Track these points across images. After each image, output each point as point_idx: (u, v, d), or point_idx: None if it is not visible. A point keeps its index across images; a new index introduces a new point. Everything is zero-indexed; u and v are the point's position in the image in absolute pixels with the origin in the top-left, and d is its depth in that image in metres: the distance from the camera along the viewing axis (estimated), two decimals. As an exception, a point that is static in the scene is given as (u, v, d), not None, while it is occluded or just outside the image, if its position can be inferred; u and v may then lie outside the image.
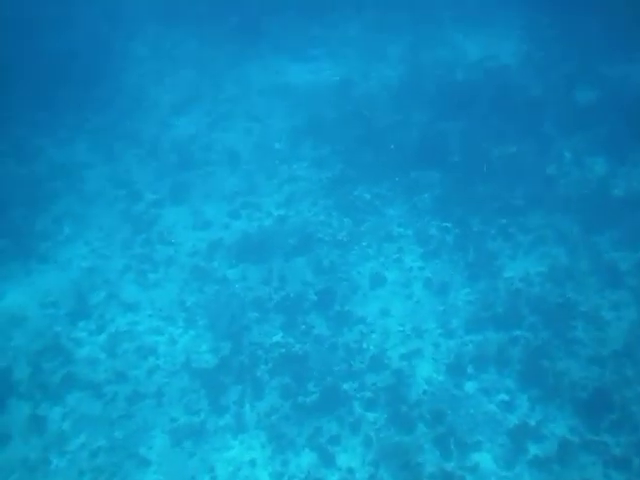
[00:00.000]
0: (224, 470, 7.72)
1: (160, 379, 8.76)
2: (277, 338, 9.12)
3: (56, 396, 8.60)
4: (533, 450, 7.63)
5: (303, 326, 9.24)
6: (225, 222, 10.85)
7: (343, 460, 7.69)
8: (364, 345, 8.84)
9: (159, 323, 9.41)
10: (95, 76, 13.65)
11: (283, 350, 8.96)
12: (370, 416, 8.11)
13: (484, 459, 7.56)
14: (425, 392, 8.24)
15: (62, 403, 8.63)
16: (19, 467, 7.87)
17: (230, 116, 12.98)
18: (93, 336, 9.27)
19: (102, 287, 9.82)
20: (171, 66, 14.15)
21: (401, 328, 9.00)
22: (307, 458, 7.75)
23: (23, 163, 11.80)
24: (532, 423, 7.86)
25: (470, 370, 8.44)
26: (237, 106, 13.31)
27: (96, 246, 10.44)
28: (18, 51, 13.99)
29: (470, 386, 8.29)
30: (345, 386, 8.38)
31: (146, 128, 12.69)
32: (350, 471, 7.58)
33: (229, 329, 9.24)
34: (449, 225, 10.30)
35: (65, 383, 8.73)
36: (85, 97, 13.22)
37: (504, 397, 8.13)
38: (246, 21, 14.80)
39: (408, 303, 9.34)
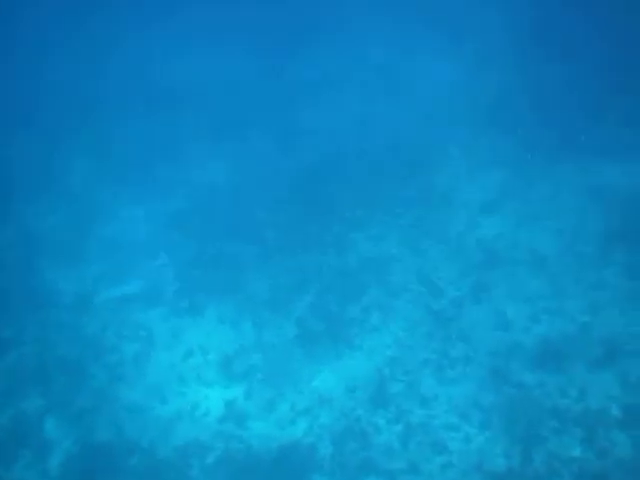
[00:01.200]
0: None
1: (453, 476, 9.29)
2: (576, 452, 9.09)
3: (354, 478, 9.61)
4: None
5: (605, 443, 9.08)
6: (525, 325, 11.19)
7: None
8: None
9: (454, 420, 10.01)
10: (410, 172, 15.16)
11: (580, 465, 8.90)
12: None
13: None
14: None
15: (359, 486, 9.65)
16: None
17: (539, 216, 13.41)
18: (391, 424, 10.23)
19: (402, 377, 10.76)
20: (483, 166, 15.12)
21: None
22: None
23: (340, 255, 13.56)
24: None
25: None
26: (547, 206, 13.69)
27: (400, 336, 11.50)
28: (343, 150, 16.24)
29: None
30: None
31: (453, 225, 13.67)
32: None
33: (525, 435, 9.48)
34: None
35: (363, 466, 9.76)
36: (399, 194, 14.71)
37: None
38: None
39: None
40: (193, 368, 11.73)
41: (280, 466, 10.11)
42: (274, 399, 11.08)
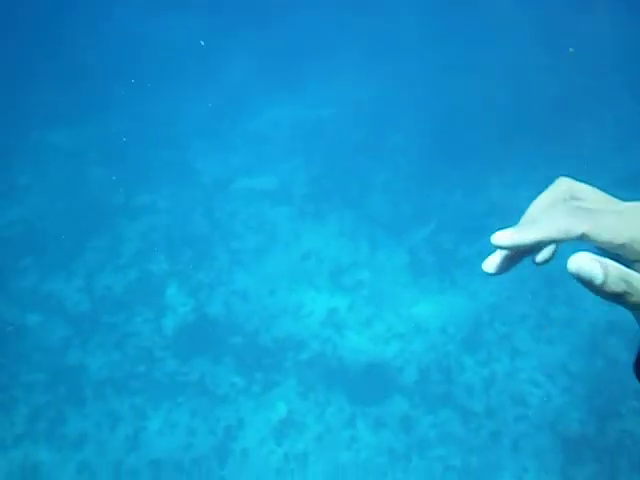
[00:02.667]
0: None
1: (522, 428, 9.87)
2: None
3: (432, 407, 10.37)
4: None
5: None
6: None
7: None
8: None
9: (540, 378, 10.48)
10: (558, 129, 15.01)
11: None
12: None
13: None
14: None
15: (434, 414, 10.37)
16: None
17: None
18: (477, 367, 10.81)
19: (499, 326, 11.26)
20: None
21: None
22: None
23: (467, 196, 13.89)
24: None
25: None
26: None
27: (506, 287, 11.91)
28: (494, 93, 16.22)
29: None
30: None
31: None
32: None
33: (604, 408, 9.85)
34: None
35: (442, 398, 10.48)
36: (541, 149, 14.66)
37: None
38: None
39: None
40: (306, 271, 12.67)
41: (366, 379, 11.00)
42: (373, 317, 11.89)
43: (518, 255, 1.56)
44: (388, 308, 11.88)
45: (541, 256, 1.58)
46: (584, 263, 1.30)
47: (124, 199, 14.36)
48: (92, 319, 11.43)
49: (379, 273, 12.52)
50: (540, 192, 1.64)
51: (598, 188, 1.61)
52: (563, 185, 1.56)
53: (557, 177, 1.65)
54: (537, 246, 1.44)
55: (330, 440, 9.76)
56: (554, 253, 1.62)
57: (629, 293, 1.31)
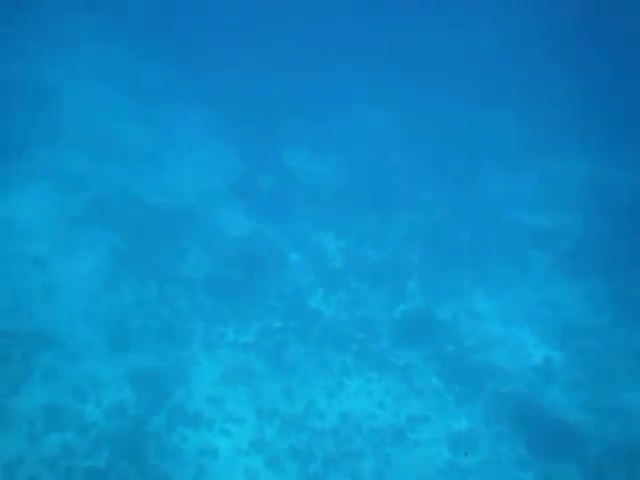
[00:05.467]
0: None
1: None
2: None
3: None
4: None
5: None
6: None
7: None
8: None
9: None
10: None
11: None
12: None
13: None
14: None
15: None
16: None
17: None
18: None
19: None
20: None
21: None
22: None
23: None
24: None
25: None
26: None
27: None
28: None
29: None
30: None
31: None
32: None
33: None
34: None
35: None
36: None
37: None
38: None
39: None
40: (541, 316, 13.40)
41: (551, 436, 11.50)
42: (584, 385, 12.25)
43: None
44: (603, 383, 12.08)
45: None
46: None
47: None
48: (340, 278, 13.26)
49: (610, 347, 12.69)
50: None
51: None
52: None
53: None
54: None
55: (495, 471, 10.49)
56: None
57: None
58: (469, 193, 16.33)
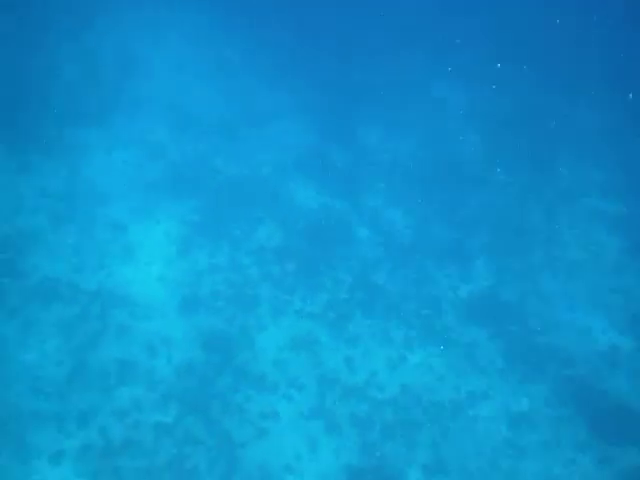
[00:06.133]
0: None
1: None
2: None
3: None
4: None
5: None
6: None
7: None
8: None
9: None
10: None
11: None
12: None
13: None
14: None
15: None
16: None
17: None
18: None
19: None
20: None
21: None
22: None
23: None
24: None
25: None
26: None
27: None
28: None
29: None
30: None
31: None
32: None
33: None
34: None
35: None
36: None
37: None
38: None
39: None
40: (611, 303, 13.23)
41: (616, 421, 11.43)
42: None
43: None
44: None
45: None
46: None
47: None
48: (407, 255, 13.44)
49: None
50: None
51: None
52: None
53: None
54: None
55: (553, 451, 10.53)
56: None
57: None
58: (543, 176, 16.11)
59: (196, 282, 12.59)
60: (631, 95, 17.08)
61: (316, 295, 12.86)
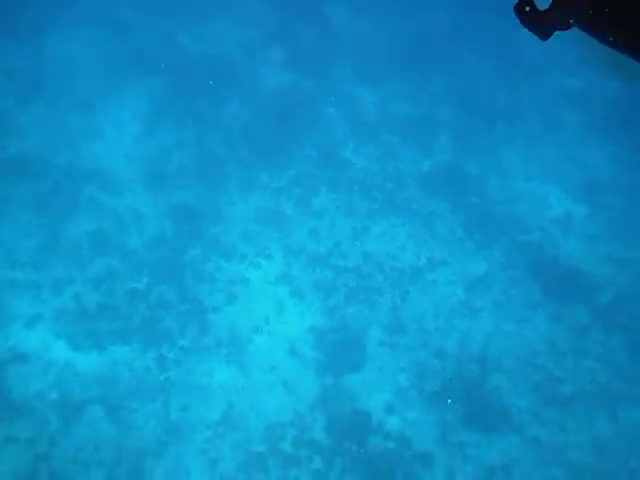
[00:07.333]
0: None
1: None
2: None
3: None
4: None
5: None
6: None
7: None
8: None
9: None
10: None
11: None
12: None
13: None
14: None
15: None
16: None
17: None
18: None
19: None
20: None
21: None
22: None
23: None
24: None
25: None
26: None
27: None
28: None
29: None
30: None
31: None
32: None
33: None
34: None
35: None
36: None
37: None
38: None
39: None
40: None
41: (565, 282, 12.09)
42: (599, 236, 12.69)
43: None
44: (621, 236, 12.53)
45: None
46: None
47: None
48: (373, 131, 13.79)
49: (631, 204, 13.05)
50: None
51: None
52: None
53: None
54: None
55: (506, 311, 11.23)
56: None
57: None
58: (509, 57, 16.23)
59: (164, 159, 12.86)
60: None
61: (283, 172, 13.21)
